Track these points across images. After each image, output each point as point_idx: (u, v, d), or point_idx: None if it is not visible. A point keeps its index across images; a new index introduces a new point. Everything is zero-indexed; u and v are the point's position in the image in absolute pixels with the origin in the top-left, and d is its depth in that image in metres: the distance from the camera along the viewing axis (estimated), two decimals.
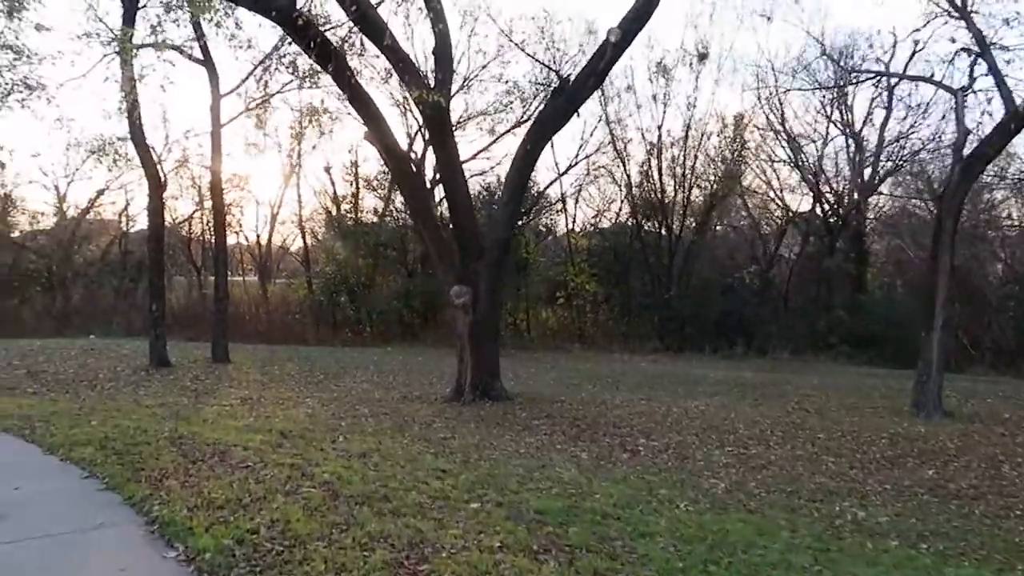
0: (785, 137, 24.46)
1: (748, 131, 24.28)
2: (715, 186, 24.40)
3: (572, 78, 9.69)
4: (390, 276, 26.59)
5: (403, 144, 27.26)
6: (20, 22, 13.36)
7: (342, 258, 26.07)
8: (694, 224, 24.88)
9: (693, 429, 9.20)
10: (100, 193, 30.77)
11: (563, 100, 9.65)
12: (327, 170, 27.67)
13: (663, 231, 24.45)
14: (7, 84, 13.21)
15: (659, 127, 23.87)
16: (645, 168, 24.48)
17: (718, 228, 26.74)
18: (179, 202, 30.71)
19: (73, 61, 13.74)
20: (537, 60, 9.70)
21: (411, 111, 25.62)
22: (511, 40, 12.65)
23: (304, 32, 8.18)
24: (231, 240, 32.05)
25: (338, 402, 10.51)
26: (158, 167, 14.00)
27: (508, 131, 23.30)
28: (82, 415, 7.45)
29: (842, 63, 22.44)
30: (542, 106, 11.04)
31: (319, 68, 9.17)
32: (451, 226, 10.84)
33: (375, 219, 27.32)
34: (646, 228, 24.82)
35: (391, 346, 22.38)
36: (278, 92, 14.06)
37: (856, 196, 24.31)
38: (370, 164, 27.76)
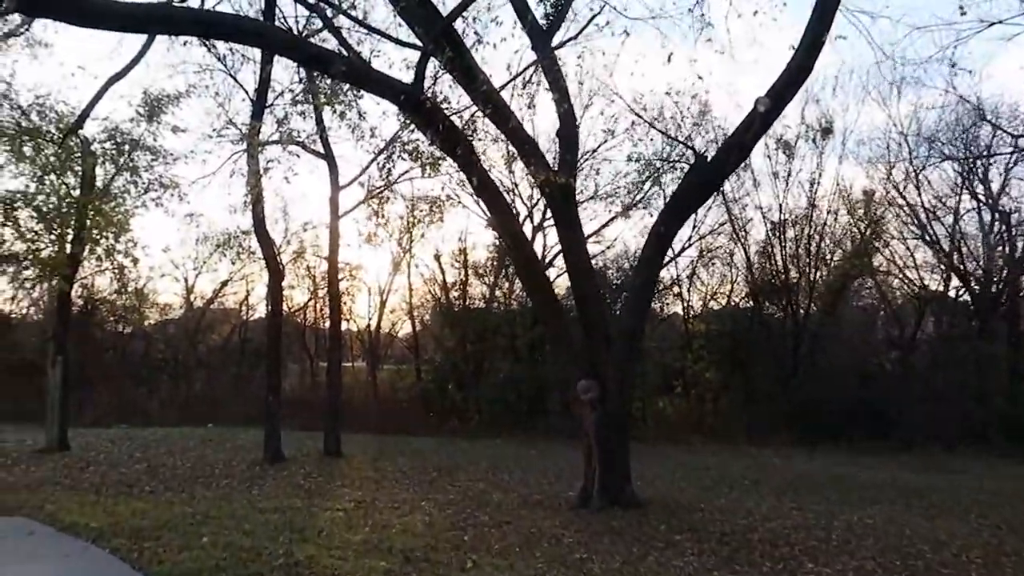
0: (919, 212, 22.74)
1: (878, 207, 22.71)
2: (844, 266, 22.77)
3: (709, 154, 8.99)
4: (499, 363, 26.05)
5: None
6: (159, 125, 14.12)
7: (451, 344, 25.82)
8: (821, 307, 23.18)
9: (867, 551, 7.82)
10: (224, 284, 32.35)
11: (702, 177, 8.91)
12: (437, 257, 27.89)
13: (787, 314, 22.87)
14: (144, 184, 13.85)
15: (780, 205, 22.72)
16: (766, 248, 23.22)
17: (848, 311, 24.81)
18: (295, 291, 31.83)
19: (204, 159, 14.16)
20: (669, 136, 9.11)
21: (520, 196, 25.74)
22: (639, 116, 12.10)
23: (431, 118, 7.92)
24: (342, 327, 32.66)
25: (455, 506, 9.74)
26: (277, 258, 14.14)
27: (623, 213, 22.71)
28: (195, 526, 7.01)
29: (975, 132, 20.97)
30: (675, 185, 10.24)
31: (443, 155, 8.88)
32: (576, 315, 10.14)
33: (483, 304, 27.14)
34: (768, 311, 23.33)
35: (501, 438, 21.56)
36: (396, 181, 14.09)
37: (1007, 272, 22.07)
38: (478, 251, 27.88)
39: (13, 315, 28.90)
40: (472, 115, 9.67)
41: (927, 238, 23.07)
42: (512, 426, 23.07)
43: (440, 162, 9.79)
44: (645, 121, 9.23)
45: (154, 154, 14.04)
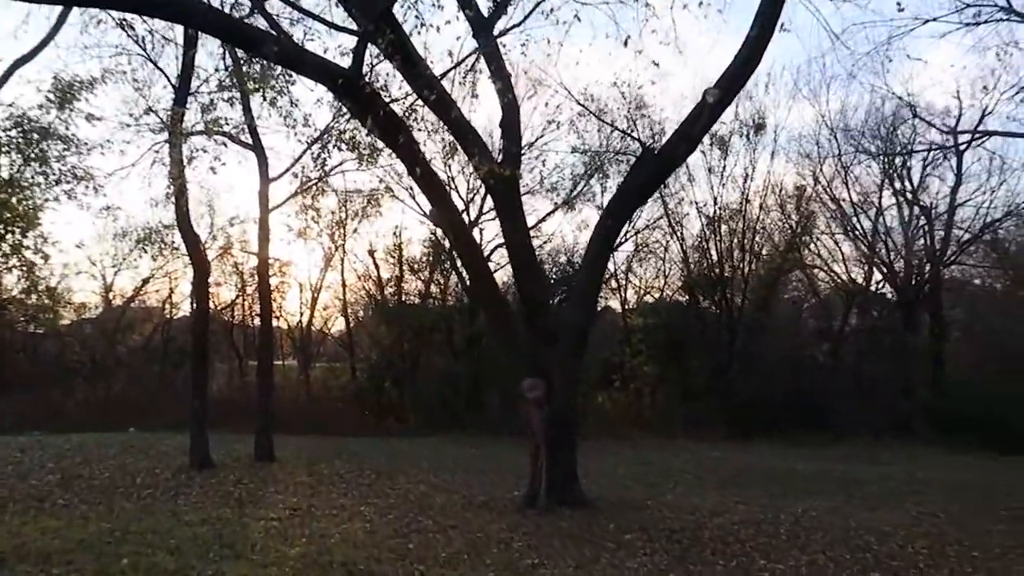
0: (846, 208, 23.44)
1: (809, 202, 23.27)
2: (776, 260, 23.26)
3: (656, 147, 8.83)
4: (436, 360, 25.64)
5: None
6: (71, 113, 13.16)
7: (387, 342, 25.25)
8: (754, 300, 23.61)
9: (816, 545, 7.83)
10: (145, 281, 30.75)
11: (650, 169, 8.74)
12: (371, 253, 27.22)
13: (721, 308, 23.21)
14: (55, 175, 12.88)
15: (715, 200, 23.01)
16: (700, 243, 23.51)
17: (779, 304, 25.37)
18: (222, 288, 30.63)
19: (123, 150, 13.24)
20: (617, 128, 8.85)
21: (456, 190, 25.34)
22: (584, 106, 11.81)
23: (369, 104, 7.49)
24: (272, 325, 31.59)
25: (396, 511, 9.36)
26: (203, 254, 13.39)
27: (566, 204, 22.60)
28: (113, 544, 6.42)
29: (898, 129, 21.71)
30: (620, 178, 10.04)
31: (381, 146, 8.47)
32: (519, 311, 9.87)
33: (418, 301, 26.67)
34: (703, 305, 23.64)
35: (439, 436, 21.17)
36: (330, 173, 13.52)
37: (928, 266, 22.96)
38: (413, 247, 27.39)
39: None
40: (411, 104, 9.29)
41: (853, 233, 23.82)
42: (450, 424, 22.74)
43: (378, 153, 9.37)
44: (591, 112, 8.96)
45: (66, 143, 13.03)
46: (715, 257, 23.19)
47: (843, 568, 6.98)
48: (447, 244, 26.88)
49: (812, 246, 24.31)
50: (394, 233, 26.75)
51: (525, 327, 9.54)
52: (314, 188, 11.16)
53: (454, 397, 23.57)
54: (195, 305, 13.17)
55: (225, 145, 13.68)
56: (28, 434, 19.47)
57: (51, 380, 25.37)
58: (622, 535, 8.14)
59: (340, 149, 8.63)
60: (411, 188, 25.53)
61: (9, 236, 12.24)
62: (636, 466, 14.60)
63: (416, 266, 26.45)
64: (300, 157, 12.69)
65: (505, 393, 24.51)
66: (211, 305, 31.26)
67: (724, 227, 23.12)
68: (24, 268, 12.34)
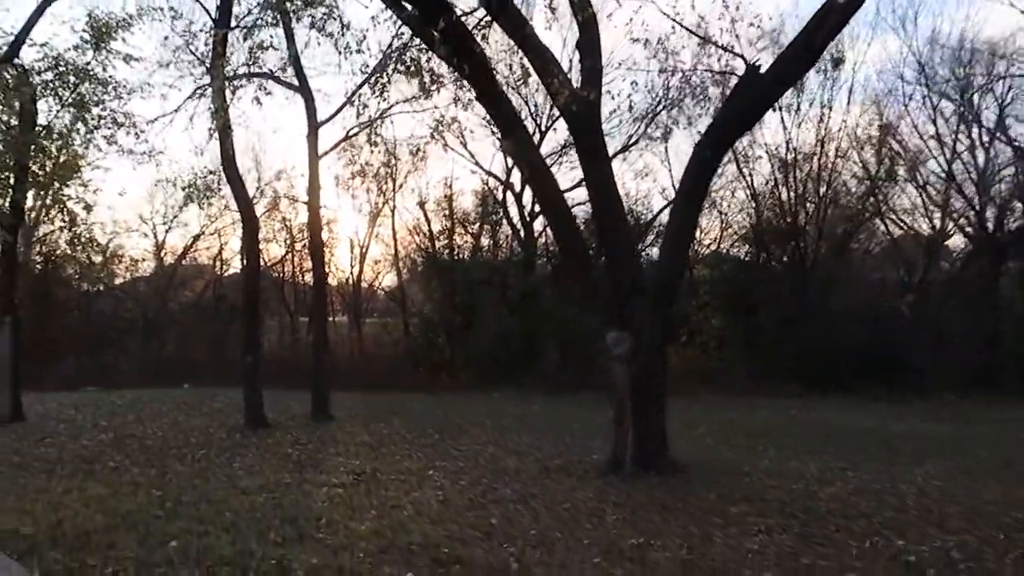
0: (929, 150, 21.57)
1: (889, 146, 21.45)
2: (853, 207, 21.63)
3: (761, 63, 7.56)
4: (490, 315, 24.82)
5: (500, 174, 25.87)
6: (108, 54, 12.38)
7: (439, 296, 24.48)
8: (829, 250, 22.07)
9: (956, 521, 6.73)
10: (196, 238, 30.65)
11: (757, 91, 7.48)
12: (421, 205, 26.34)
13: (794, 257, 21.75)
14: (94, 120, 12.15)
15: (788, 143, 21.38)
16: (772, 189, 21.98)
17: (855, 254, 23.74)
18: (272, 244, 30.29)
19: (164, 94, 12.45)
20: (713, 43, 7.58)
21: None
22: (676, 21, 10.22)
23: (436, 15, 6.41)
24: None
25: (468, 476, 8.54)
26: (251, 204, 12.60)
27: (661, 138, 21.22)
28: (161, 520, 5.69)
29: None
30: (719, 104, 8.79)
31: (444, 71, 7.43)
32: (604, 258, 8.82)
33: (470, 254, 25.81)
34: (774, 254, 22.21)
35: (496, 392, 20.42)
36: (384, 115, 12.49)
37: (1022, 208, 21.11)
38: (465, 199, 26.44)
39: None
40: (477, 23, 8.17)
41: (935, 176, 22.01)
42: (504, 380, 21.95)
43: (441, 82, 8.32)
44: (684, 27, 7.72)
45: (104, 86, 12.28)
46: (787, 204, 21.65)
47: (1002, 552, 5.90)
48: (499, 195, 26.02)
49: (892, 192, 22.57)
50: (445, 184, 25.86)
51: (608, 276, 8.48)
52: (374, 124, 10.08)
53: (508, 353, 22.73)
54: (245, 258, 12.40)
55: (264, 88, 12.76)
56: (83, 390, 19.37)
57: (105, 338, 25.39)
58: (727, 507, 7.16)
59: (400, 72, 7.59)
60: (462, 136, 24.58)
61: (50, 186, 11.60)
62: (712, 425, 13.55)
63: (468, 218, 25.47)
64: (352, 96, 11.66)
65: (563, 349, 23.72)
66: (261, 261, 31.24)
67: (798, 172, 21.49)
68: (67, 219, 11.69)
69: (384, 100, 7.97)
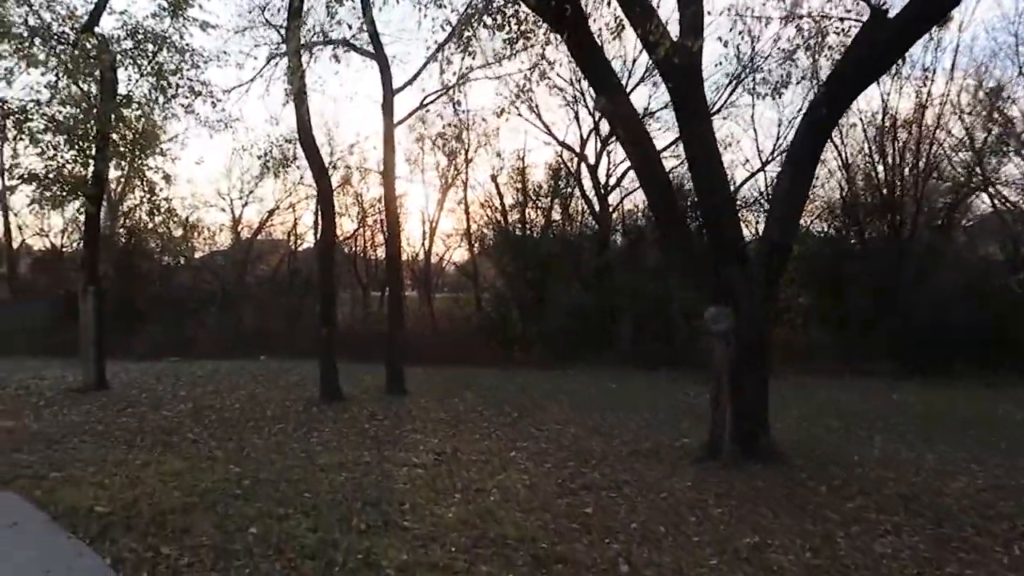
0: None
1: (1000, 112, 19.66)
2: (958, 179, 20.01)
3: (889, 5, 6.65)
4: (563, 290, 24.21)
5: (575, 145, 25.09)
6: (185, 21, 12.21)
7: (512, 271, 23.96)
8: (929, 223, 20.52)
9: None
10: (271, 213, 31.11)
11: (882, 34, 6.57)
12: (494, 178, 25.83)
13: (891, 231, 20.30)
14: (172, 88, 12.02)
15: (885, 108, 19.85)
16: (866, 157, 20.53)
17: (961, 227, 22.03)
18: (343, 219, 30.43)
19: (240, 63, 12.25)
20: None
21: (586, 107, 23.37)
22: None
23: None
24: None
25: (553, 459, 8.06)
26: (327, 172, 12.29)
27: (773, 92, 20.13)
28: (240, 500, 5.40)
29: None
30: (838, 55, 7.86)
31: (532, 23, 6.81)
32: (702, 226, 8.10)
33: (542, 228, 25.16)
34: (868, 227, 20.78)
35: (571, 369, 19.86)
36: (463, 80, 12.03)
37: None
38: (538, 172, 25.77)
39: (64, 248, 28.12)
40: None
41: None
42: (577, 356, 21.35)
43: (530, 36, 7.71)
44: None
45: (182, 54, 12.13)
46: (883, 174, 20.18)
47: None
48: (573, 168, 25.23)
49: (999, 162, 20.75)
50: (517, 157, 25.24)
51: (707, 246, 7.78)
52: (449, 91, 9.56)
53: (581, 329, 22.09)
54: (320, 227, 12.15)
55: (336, 57, 12.39)
56: (166, 360, 19.76)
57: (185, 310, 25.91)
58: (843, 502, 6.46)
59: (487, 26, 6.99)
60: (536, 107, 23.90)
61: (129, 155, 11.55)
62: (806, 407, 12.66)
63: (540, 192, 24.79)
64: (433, 55, 11.16)
65: (638, 324, 22.97)
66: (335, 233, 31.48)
67: (895, 141, 19.96)
68: (146, 189, 11.64)
69: (470, 55, 7.41)
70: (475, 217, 27.21)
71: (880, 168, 20.35)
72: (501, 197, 25.81)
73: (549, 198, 25.03)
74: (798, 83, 9.74)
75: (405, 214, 29.86)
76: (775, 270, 7.77)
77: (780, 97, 8.71)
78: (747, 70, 18.82)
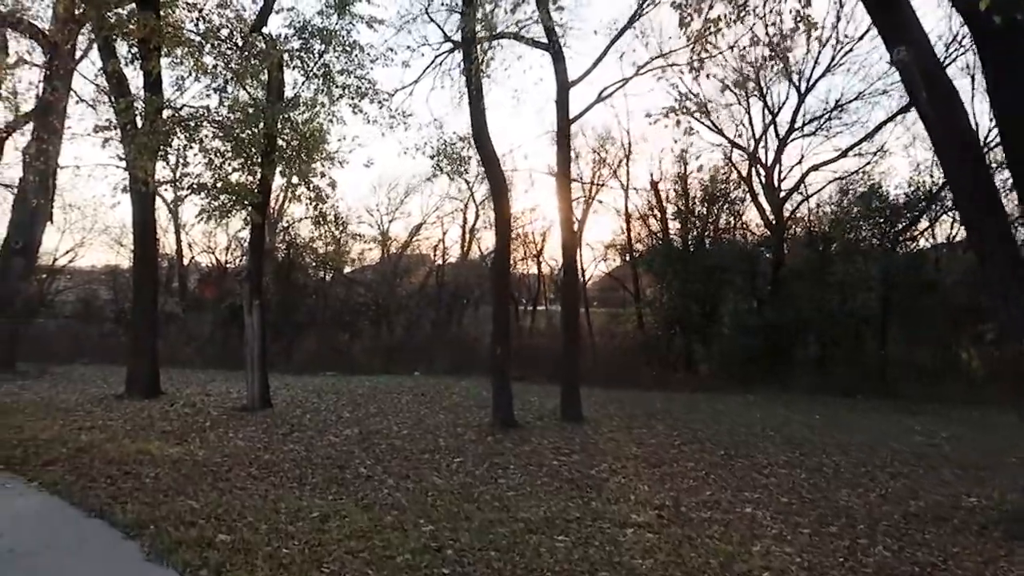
0: None
1: None
2: None
3: None
4: (735, 305, 21.98)
5: (745, 145, 22.78)
6: (352, 18, 11.48)
7: (676, 285, 21.96)
8: None
9: None
10: (418, 228, 31.16)
11: None
12: (654, 185, 24.01)
13: None
14: (339, 88, 11.29)
15: None
16: None
17: None
18: (486, 233, 30.05)
19: (406, 62, 11.44)
20: None
21: (763, 102, 21.13)
22: None
23: None
24: (539, 268, 30.33)
25: (806, 519, 6.28)
26: (500, 167, 11.06)
27: None
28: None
29: None
30: None
31: None
32: None
33: (711, 239, 22.98)
34: None
35: (750, 393, 17.68)
36: (642, 68, 10.49)
37: None
38: (701, 177, 23.64)
39: (228, 264, 29.19)
40: None
41: None
42: (752, 379, 19.06)
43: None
44: None
45: (348, 53, 11.39)
46: None
47: None
48: (743, 171, 22.94)
49: None
50: (680, 161, 23.28)
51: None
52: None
53: (758, 349, 19.75)
54: (496, 230, 10.98)
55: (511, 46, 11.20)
56: (322, 375, 19.45)
57: (340, 323, 25.93)
58: None
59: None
60: (707, 104, 21.85)
61: (296, 160, 10.88)
62: None
63: (707, 198, 22.66)
64: (617, 38, 9.77)
65: (825, 345, 20.36)
66: (477, 250, 31.01)
67: None
68: (313, 194, 10.90)
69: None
70: (634, 227, 25.52)
71: None
72: (661, 204, 23.95)
73: (716, 204, 22.88)
74: None
75: (547, 226, 28.85)
76: None
77: None
78: None
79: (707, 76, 17.16)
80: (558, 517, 5.94)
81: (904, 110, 19.45)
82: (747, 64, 19.69)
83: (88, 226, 28.48)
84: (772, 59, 18.57)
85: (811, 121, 21.13)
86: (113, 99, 12.22)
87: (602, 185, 27.10)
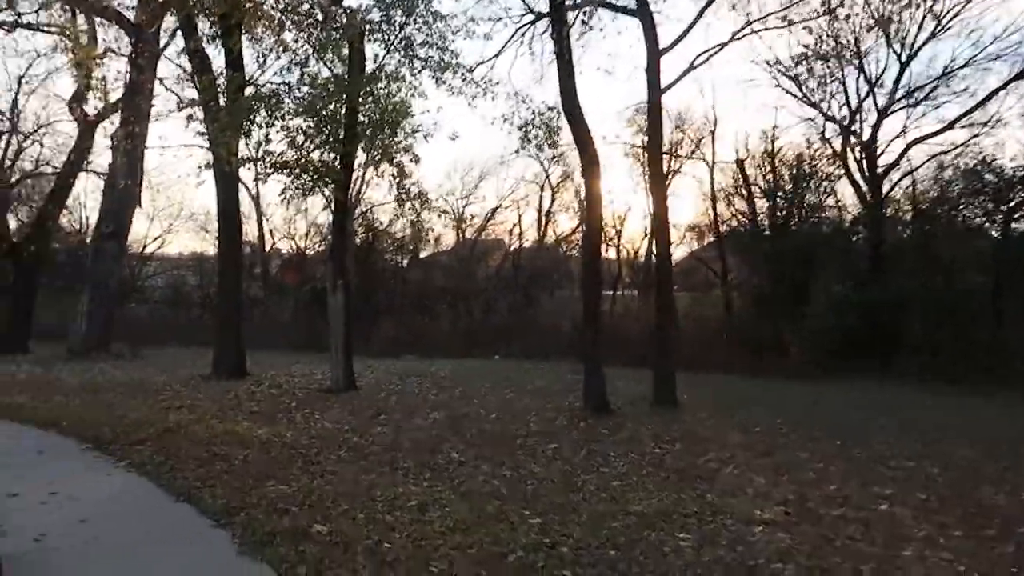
0: None
1: None
2: None
3: None
4: (828, 286, 20.71)
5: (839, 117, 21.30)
6: None
7: (765, 266, 20.86)
8: None
9: None
10: (493, 211, 30.95)
11: None
12: (739, 163, 22.85)
13: None
14: (421, 60, 10.90)
15: None
16: None
17: None
18: (562, 216, 29.72)
19: (487, 34, 10.98)
20: None
21: (862, 71, 19.71)
22: None
23: None
24: (611, 254, 29.71)
25: (953, 518, 5.59)
26: (591, 138, 10.44)
27: None
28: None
29: None
30: None
31: None
32: None
33: (801, 218, 21.71)
34: None
35: (840, 381, 16.49)
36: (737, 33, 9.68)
37: None
38: (790, 153, 22.34)
39: (307, 250, 29.65)
40: None
41: None
42: (847, 363, 17.86)
43: None
44: None
45: (429, 25, 10.98)
46: None
47: None
48: (838, 146, 21.53)
49: None
50: (768, 138, 22.06)
51: None
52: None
53: (856, 332, 18.48)
54: (585, 203, 10.39)
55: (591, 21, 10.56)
56: (403, 358, 19.36)
57: (418, 307, 25.92)
58: None
59: None
60: (798, 76, 20.53)
61: (377, 136, 10.56)
62: None
63: (798, 175, 21.39)
64: (706, 6, 9.02)
65: (933, 327, 18.93)
66: (552, 233, 30.58)
67: None
68: (396, 170, 10.59)
69: None
70: (721, 206, 24.47)
71: None
72: (748, 183, 22.77)
73: (806, 181, 21.59)
74: None
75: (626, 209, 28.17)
76: None
77: None
78: None
79: (807, 31, 15.89)
80: (674, 511, 5.40)
81: (1020, 76, 17.79)
82: (847, 28, 18.40)
83: (175, 212, 29.39)
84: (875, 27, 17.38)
85: (914, 91, 19.58)
86: (196, 78, 12.20)
87: (688, 157, 26.24)
